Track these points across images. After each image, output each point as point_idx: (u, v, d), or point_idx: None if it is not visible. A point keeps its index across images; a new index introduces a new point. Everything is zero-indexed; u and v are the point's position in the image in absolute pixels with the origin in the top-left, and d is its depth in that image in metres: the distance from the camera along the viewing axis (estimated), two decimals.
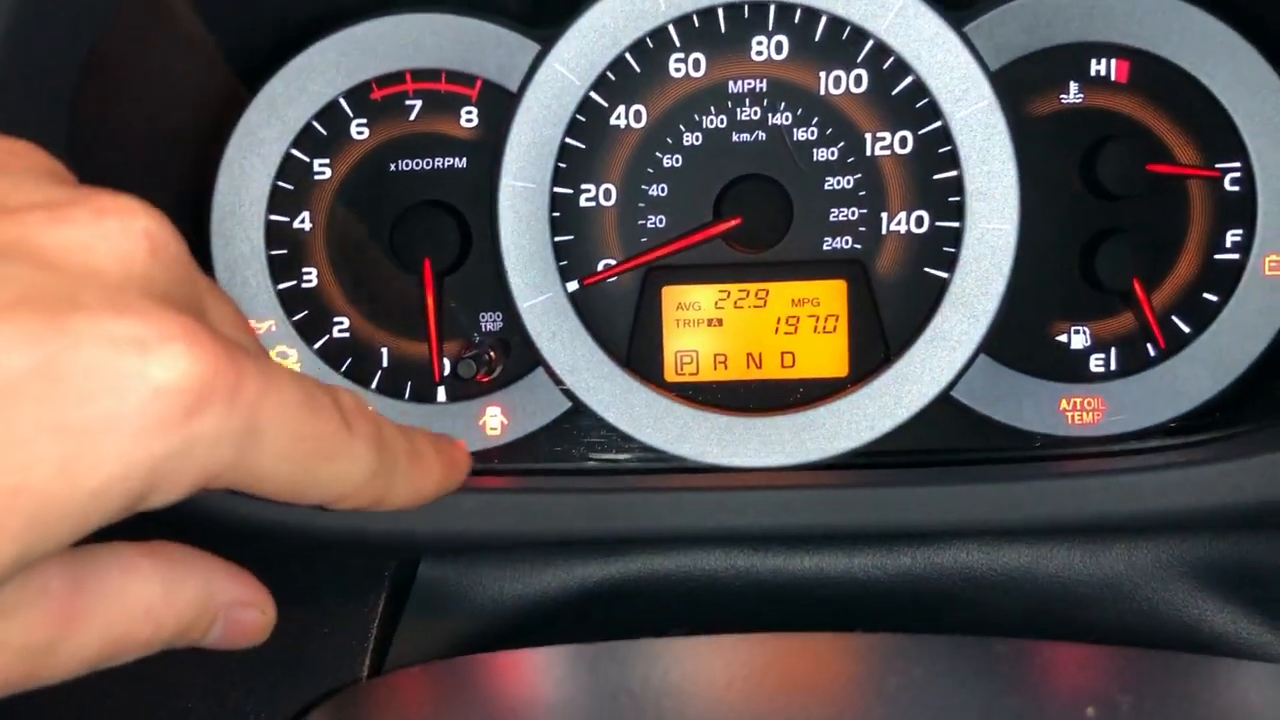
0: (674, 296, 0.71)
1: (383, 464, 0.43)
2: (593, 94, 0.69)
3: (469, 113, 0.72)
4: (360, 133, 0.72)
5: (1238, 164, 0.70)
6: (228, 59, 0.71)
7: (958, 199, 0.68)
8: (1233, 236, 0.70)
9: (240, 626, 0.43)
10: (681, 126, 0.70)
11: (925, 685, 0.36)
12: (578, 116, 0.69)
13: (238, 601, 0.43)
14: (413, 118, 0.72)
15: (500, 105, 0.70)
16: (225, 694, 0.59)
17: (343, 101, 0.72)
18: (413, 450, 0.47)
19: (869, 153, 0.70)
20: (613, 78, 0.69)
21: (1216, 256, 0.71)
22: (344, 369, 0.73)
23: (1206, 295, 0.71)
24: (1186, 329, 0.71)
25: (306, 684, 0.58)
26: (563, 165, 0.70)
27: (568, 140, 0.69)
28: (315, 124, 0.72)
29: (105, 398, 0.32)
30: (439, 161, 0.72)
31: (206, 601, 0.41)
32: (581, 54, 0.68)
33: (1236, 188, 0.70)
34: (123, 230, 0.36)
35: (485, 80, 0.71)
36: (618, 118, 0.70)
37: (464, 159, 0.72)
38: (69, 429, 0.32)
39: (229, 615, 0.42)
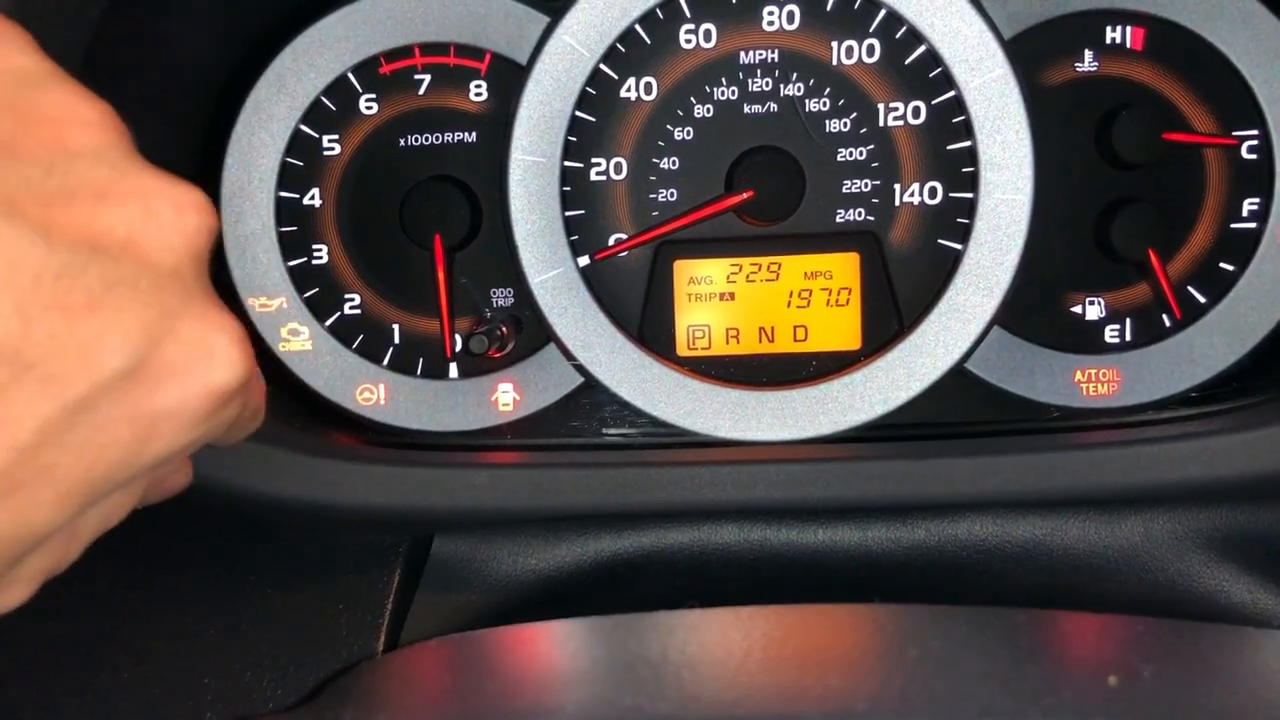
0: (686, 270, 0.70)
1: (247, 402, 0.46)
2: (603, 66, 0.69)
3: (478, 87, 0.71)
4: (369, 108, 0.72)
5: (1255, 132, 0.69)
6: (235, 34, 0.71)
7: (971, 169, 0.68)
8: (1249, 205, 0.70)
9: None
10: (692, 98, 0.70)
11: (943, 655, 0.36)
12: (588, 89, 0.69)
13: None
14: (421, 92, 0.71)
15: (509, 79, 0.70)
16: (240, 671, 0.59)
17: (351, 76, 0.71)
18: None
19: (882, 123, 0.69)
20: (623, 49, 0.69)
21: (1233, 225, 0.70)
22: (355, 346, 0.73)
23: (1223, 264, 0.70)
24: (1202, 299, 0.70)
25: (322, 660, 0.58)
26: (573, 139, 0.69)
27: (578, 113, 0.69)
28: (324, 99, 0.71)
29: (174, 392, 0.36)
30: (448, 136, 0.71)
31: None
32: (591, 26, 0.67)
33: (1254, 156, 0.69)
34: (199, 229, 0.38)
35: (494, 53, 0.70)
36: (628, 90, 0.70)
37: (473, 133, 0.71)
38: (141, 417, 0.36)
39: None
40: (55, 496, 0.35)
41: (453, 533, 0.66)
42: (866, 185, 0.69)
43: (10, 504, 0.34)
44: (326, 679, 0.55)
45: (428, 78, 0.71)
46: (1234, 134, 0.69)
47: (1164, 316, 0.70)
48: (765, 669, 0.41)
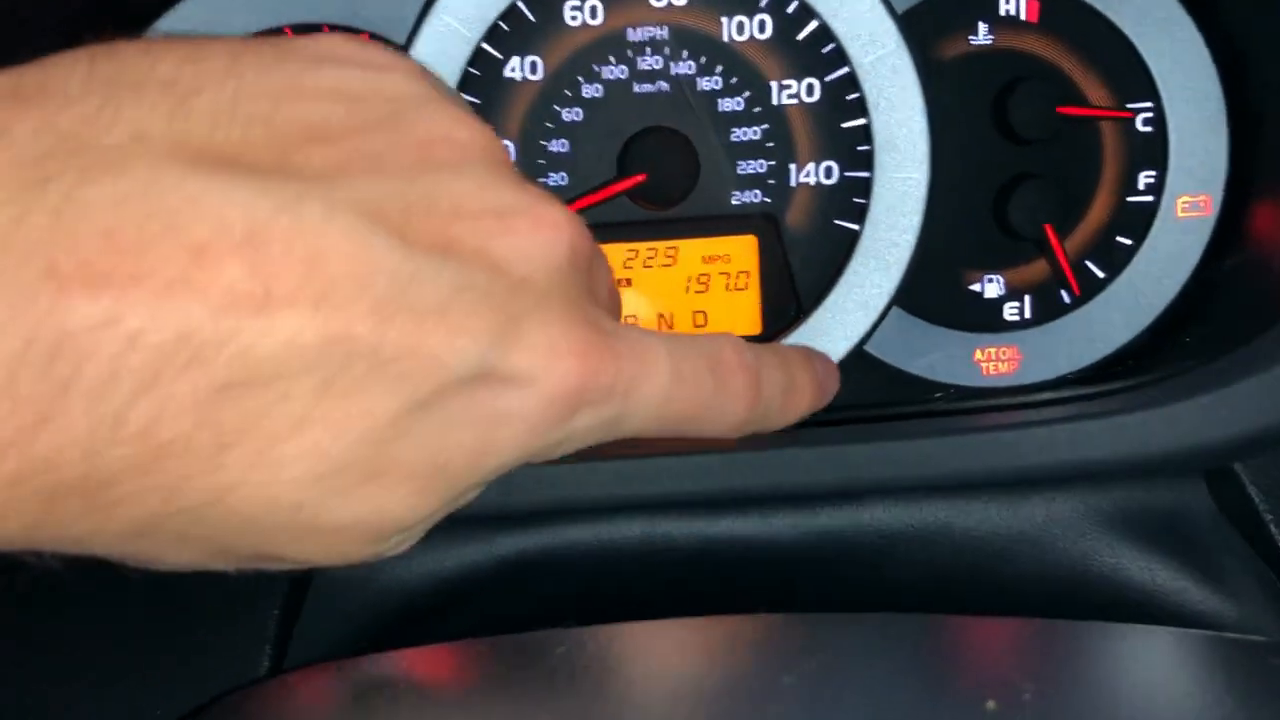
0: None
1: (753, 414, 0.48)
2: (485, 45, 0.66)
3: None
4: None
5: (1149, 104, 0.68)
6: (100, 12, 0.67)
7: (867, 148, 0.66)
8: (1145, 178, 0.69)
9: None
10: (580, 78, 0.67)
11: (818, 682, 0.34)
12: (470, 70, 0.66)
13: None
14: None
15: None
16: (112, 690, 0.56)
17: None
18: (789, 384, 0.51)
19: (775, 101, 0.67)
20: (505, 28, 0.66)
21: (1129, 199, 0.69)
22: None
23: (1120, 239, 0.70)
24: (1101, 274, 0.70)
25: (203, 680, 0.56)
26: None
27: (461, 95, 0.66)
28: None
29: (514, 397, 0.38)
30: None
31: None
32: (471, 3, 0.64)
33: (1148, 128, 0.69)
34: (555, 243, 0.40)
35: (371, 34, 0.67)
36: (512, 70, 0.67)
37: None
38: (483, 421, 0.38)
39: None
40: (413, 491, 0.37)
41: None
42: (762, 166, 0.68)
43: (369, 493, 0.36)
44: (201, 706, 0.53)
45: None
46: (1128, 107, 0.68)
47: (1063, 293, 0.70)
48: (656, 688, 0.39)
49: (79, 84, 0.33)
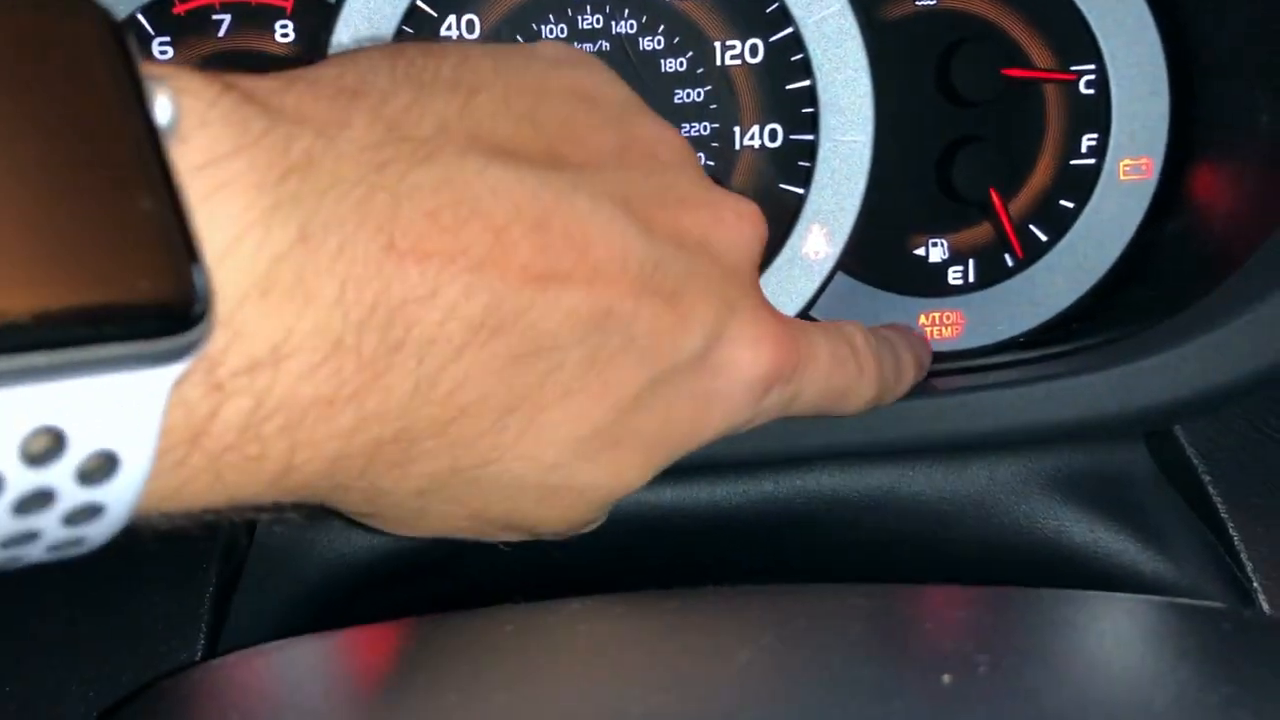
0: None
1: (879, 391, 0.53)
2: (420, 3, 0.64)
3: (284, 27, 0.65)
4: (164, 52, 0.65)
5: (1092, 66, 0.68)
6: None
7: (811, 110, 0.65)
8: (1088, 141, 0.69)
9: None
10: (519, 37, 0.65)
11: (775, 662, 0.34)
12: (404, 28, 0.64)
13: None
14: (221, 34, 0.65)
15: (318, 18, 0.64)
16: (40, 676, 0.54)
17: (141, 18, 0.64)
18: (897, 363, 0.55)
19: (719, 62, 0.66)
20: None
21: (1072, 162, 0.69)
22: None
23: (1063, 202, 0.70)
24: (1044, 237, 0.70)
25: (135, 667, 0.54)
26: None
27: None
28: None
29: (726, 377, 0.42)
30: None
31: None
32: None
33: (1091, 91, 0.68)
34: (754, 236, 0.45)
35: None
36: (449, 29, 0.65)
37: None
38: (700, 396, 0.42)
39: None
40: (643, 457, 0.42)
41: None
42: (706, 129, 0.66)
43: (610, 458, 0.40)
44: (129, 694, 0.51)
45: (227, 17, 0.65)
46: (1072, 69, 0.68)
47: (1006, 256, 0.70)
48: (600, 666, 0.39)
49: (387, 80, 0.37)
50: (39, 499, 0.26)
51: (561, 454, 0.39)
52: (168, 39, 0.65)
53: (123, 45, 0.28)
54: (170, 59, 0.65)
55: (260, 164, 0.30)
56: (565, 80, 0.42)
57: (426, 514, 0.40)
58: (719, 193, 0.45)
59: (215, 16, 0.65)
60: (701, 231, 0.42)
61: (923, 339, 0.62)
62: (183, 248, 0.27)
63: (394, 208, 0.33)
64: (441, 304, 0.33)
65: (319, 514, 0.40)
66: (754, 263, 0.45)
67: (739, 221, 0.44)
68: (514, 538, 0.45)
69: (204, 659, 0.54)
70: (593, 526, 0.47)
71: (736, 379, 0.43)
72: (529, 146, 0.38)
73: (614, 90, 0.44)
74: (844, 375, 0.50)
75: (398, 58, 0.38)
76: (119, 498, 0.28)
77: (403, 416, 0.34)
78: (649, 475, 0.43)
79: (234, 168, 0.30)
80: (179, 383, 0.28)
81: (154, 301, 0.26)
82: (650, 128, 0.44)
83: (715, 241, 0.42)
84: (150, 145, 0.28)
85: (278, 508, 0.36)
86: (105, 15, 0.28)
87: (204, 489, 0.31)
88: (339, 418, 0.33)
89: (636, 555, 0.65)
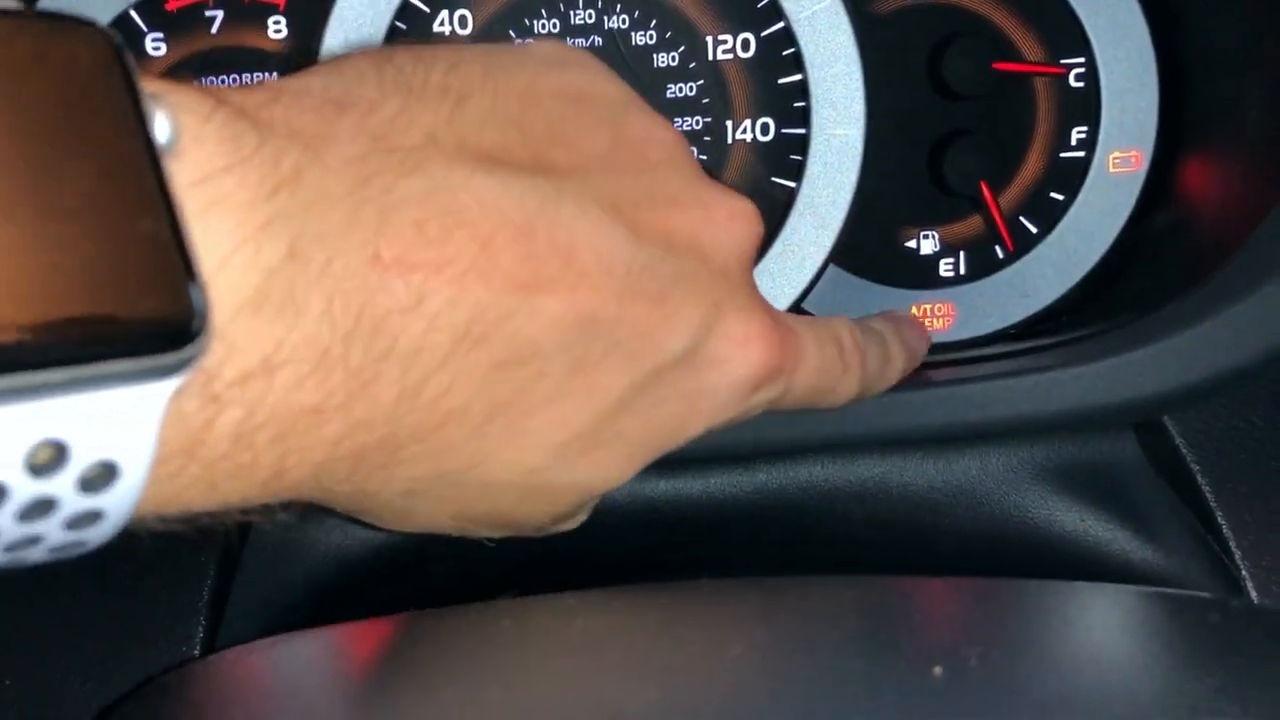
0: None
1: (864, 386, 0.53)
2: None
3: (277, 23, 0.65)
4: (156, 48, 0.65)
5: (1081, 59, 0.68)
6: None
7: (803, 104, 0.66)
8: (1078, 133, 0.69)
9: None
10: (512, 33, 0.65)
11: (764, 657, 0.34)
12: (397, 24, 0.64)
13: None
14: (214, 30, 0.65)
15: (311, 13, 0.64)
16: (41, 672, 0.54)
17: (134, 14, 0.65)
18: (884, 355, 0.56)
19: (711, 57, 0.66)
20: None
21: (1062, 155, 0.70)
22: None
23: (1053, 194, 0.70)
24: (1034, 230, 0.70)
25: (135, 662, 0.54)
26: None
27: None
28: None
29: (713, 375, 0.42)
30: (246, 78, 0.65)
31: None
32: None
33: (1081, 84, 0.69)
34: (746, 234, 0.44)
35: None
36: (441, 24, 0.65)
37: (274, 74, 0.66)
38: (687, 394, 0.42)
39: None
40: (625, 456, 0.42)
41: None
42: (698, 123, 0.67)
43: (593, 459, 0.41)
44: (127, 692, 0.51)
45: (220, 14, 0.65)
46: (1061, 62, 0.68)
47: (996, 249, 0.70)
48: (596, 659, 0.39)
49: (374, 89, 0.36)
50: (42, 507, 0.27)
51: (544, 458, 0.39)
52: (160, 35, 0.65)
53: (123, 63, 0.29)
54: (162, 55, 0.65)
55: (252, 180, 0.31)
56: (556, 82, 0.42)
57: (413, 513, 0.41)
58: (712, 191, 0.44)
59: (208, 13, 0.65)
60: (691, 231, 0.42)
61: (916, 324, 0.62)
62: (181, 266, 0.28)
63: (381, 220, 0.33)
64: (426, 314, 0.34)
65: (313, 510, 0.41)
66: (746, 261, 0.45)
67: (731, 220, 0.44)
68: (498, 534, 0.46)
69: (203, 655, 0.54)
70: (577, 522, 0.47)
71: (724, 378, 0.43)
72: (517, 153, 0.38)
73: (608, 88, 0.44)
74: (830, 373, 0.50)
75: (386, 64, 0.38)
76: (118, 504, 0.28)
77: (388, 423, 0.35)
78: (632, 473, 0.43)
79: (226, 185, 0.30)
80: (176, 395, 0.28)
81: (156, 319, 0.27)
82: (643, 126, 0.44)
83: (706, 241, 0.42)
84: (150, 164, 0.28)
85: (268, 509, 0.37)
86: (106, 33, 0.29)
87: (199, 494, 0.32)
88: (327, 425, 0.33)
89: (627, 547, 0.66)
